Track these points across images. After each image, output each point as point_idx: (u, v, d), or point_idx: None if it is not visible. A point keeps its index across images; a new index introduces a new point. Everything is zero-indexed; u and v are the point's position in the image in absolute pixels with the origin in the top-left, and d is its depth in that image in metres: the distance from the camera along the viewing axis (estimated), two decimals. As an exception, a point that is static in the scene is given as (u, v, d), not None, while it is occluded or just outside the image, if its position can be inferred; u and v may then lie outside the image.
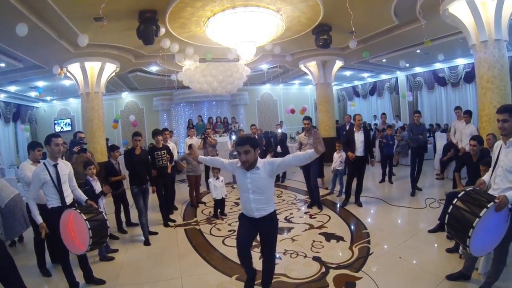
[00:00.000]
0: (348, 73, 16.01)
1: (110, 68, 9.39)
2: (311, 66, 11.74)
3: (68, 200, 3.72)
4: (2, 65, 8.65)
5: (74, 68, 8.98)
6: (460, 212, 2.75)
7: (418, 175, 7.12)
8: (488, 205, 2.60)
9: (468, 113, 6.87)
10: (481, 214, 2.57)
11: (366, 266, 3.93)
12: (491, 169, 3.11)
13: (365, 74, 16.89)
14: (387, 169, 8.41)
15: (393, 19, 7.59)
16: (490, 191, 2.95)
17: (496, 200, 2.63)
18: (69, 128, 15.82)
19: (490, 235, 2.72)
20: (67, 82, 11.75)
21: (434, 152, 10.26)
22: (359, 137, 6.29)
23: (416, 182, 7.10)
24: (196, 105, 16.20)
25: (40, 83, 11.75)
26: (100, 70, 9.09)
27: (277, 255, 4.05)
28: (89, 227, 3.33)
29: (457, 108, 7.51)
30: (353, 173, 6.51)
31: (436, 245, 4.44)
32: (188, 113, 16.00)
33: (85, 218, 3.36)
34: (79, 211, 3.46)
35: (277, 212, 6.16)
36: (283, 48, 9.20)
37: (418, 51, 11.10)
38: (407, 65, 13.56)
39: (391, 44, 9.83)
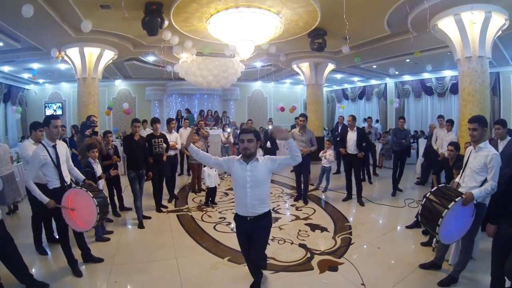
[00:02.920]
0: (339, 76, 16.44)
1: (109, 55, 9.54)
2: (304, 67, 12.10)
3: (67, 180, 3.82)
4: (0, 44, 8.63)
5: (72, 52, 9.09)
6: (431, 204, 3.17)
7: (399, 177, 7.52)
8: (456, 199, 3.01)
9: (450, 122, 7.30)
10: (449, 206, 2.98)
11: (348, 253, 4.29)
12: (461, 170, 3.53)
13: (355, 78, 17.34)
14: (365, 171, 8.77)
15: (385, 29, 7.98)
16: (460, 189, 3.34)
17: (464, 196, 3.05)
18: (60, 112, 15.78)
19: (457, 226, 3.13)
20: (62, 66, 11.81)
21: (416, 157, 10.71)
22: (351, 136, 6.64)
23: (397, 183, 7.50)
24: (188, 97, 16.41)
25: (35, 65, 11.73)
26: (98, 56, 9.24)
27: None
28: (96, 203, 3.53)
29: (440, 116, 7.95)
30: (349, 172, 6.82)
31: (412, 239, 4.83)
32: (180, 104, 16.18)
33: (91, 195, 3.56)
34: (85, 189, 3.63)
35: None
36: (278, 48, 9.48)
37: (407, 60, 11.55)
38: (397, 72, 14.02)
39: (382, 52, 10.23)
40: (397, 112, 16.06)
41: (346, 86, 19.49)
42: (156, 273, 3.92)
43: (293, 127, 11.03)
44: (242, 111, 18.13)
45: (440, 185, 3.41)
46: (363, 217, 5.94)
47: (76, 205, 3.63)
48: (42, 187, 3.68)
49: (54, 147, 3.72)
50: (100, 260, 4.18)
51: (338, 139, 9.99)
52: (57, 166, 3.69)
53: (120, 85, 16.44)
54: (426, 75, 14.89)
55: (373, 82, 17.51)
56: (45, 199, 3.53)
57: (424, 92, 15.41)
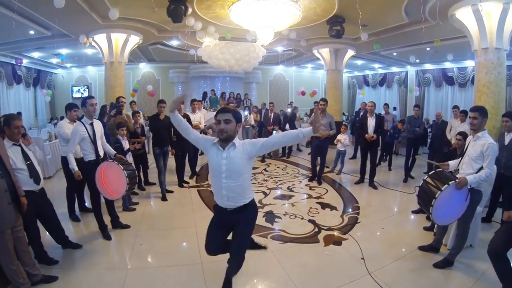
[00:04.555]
0: (359, 62, 16.43)
1: (134, 40, 9.93)
2: (324, 53, 12.21)
3: (101, 154, 4.30)
4: (32, 32, 9.15)
5: (100, 38, 9.56)
6: (428, 186, 3.43)
7: (412, 164, 7.67)
8: (450, 183, 3.25)
9: (464, 113, 7.30)
10: (442, 188, 3.23)
11: (353, 231, 4.62)
12: (460, 157, 3.73)
13: (376, 65, 17.28)
14: (388, 157, 9.02)
15: (403, 17, 8.00)
16: (458, 175, 3.54)
17: (457, 180, 3.29)
18: (86, 94, 16.42)
19: (450, 208, 3.36)
20: (89, 51, 12.33)
21: (431, 146, 10.74)
22: (371, 122, 6.79)
23: (410, 170, 7.65)
24: (210, 80, 16.70)
25: (64, 51, 12.28)
26: (124, 42, 9.66)
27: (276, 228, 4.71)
28: (126, 175, 3.97)
29: (455, 107, 8.02)
30: (365, 156, 6.97)
31: (415, 223, 5.07)
32: (203, 86, 16.52)
33: (122, 168, 4.01)
34: (116, 162, 4.09)
35: (281, 181, 7.21)
36: (298, 34, 9.65)
37: (428, 49, 11.44)
38: (417, 60, 13.90)
39: (402, 39, 10.18)
40: (417, 100, 15.91)
41: (367, 72, 19.39)
42: (177, 239, 4.40)
43: (311, 111, 11.29)
44: (264, 94, 18.33)
45: (437, 169, 3.65)
46: (372, 199, 6.20)
47: (108, 176, 4.10)
48: (77, 160, 4.26)
49: (91, 124, 4.21)
50: (127, 226, 4.70)
51: (357, 125, 10.24)
52: (93, 141, 4.18)
53: (144, 68, 16.96)
54: (447, 65, 14.65)
55: (394, 69, 17.38)
56: (75, 169, 4.12)
57: (445, 82, 15.21)
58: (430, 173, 3.57)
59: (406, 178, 7.53)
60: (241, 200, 2.69)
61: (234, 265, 2.88)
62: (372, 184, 6.89)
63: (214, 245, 2.91)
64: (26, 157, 3.40)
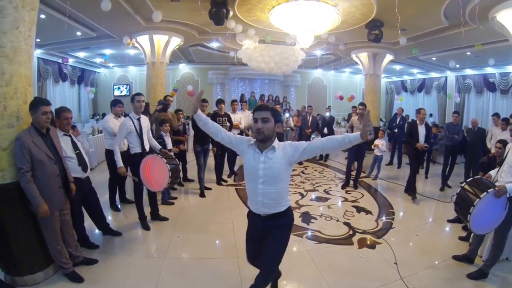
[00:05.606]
0: (398, 67, 16.16)
1: (175, 42, 10.31)
2: (362, 57, 12.17)
3: (147, 148, 4.56)
4: (79, 33, 9.77)
5: (143, 39, 9.99)
6: (465, 193, 3.37)
7: (449, 173, 7.46)
8: (489, 190, 3.18)
9: (505, 121, 6.98)
10: (481, 196, 3.16)
11: (387, 236, 4.64)
12: (500, 166, 3.63)
13: (415, 70, 16.92)
14: (424, 164, 8.75)
15: (442, 21, 7.84)
16: (496, 183, 3.44)
17: (496, 188, 3.21)
18: (127, 93, 17.18)
19: (488, 217, 3.27)
20: (132, 52, 12.90)
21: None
22: (422, 131, 6.48)
23: (447, 179, 7.43)
24: (249, 82, 17.00)
25: (107, 51, 12.94)
26: (166, 43, 10.05)
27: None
28: (169, 168, 4.19)
29: (495, 114, 7.72)
30: (417, 166, 6.64)
31: (451, 232, 4.96)
32: (242, 88, 16.86)
33: (165, 161, 4.23)
34: (161, 156, 4.33)
35: (318, 184, 7.30)
36: (337, 38, 9.68)
37: (468, 53, 11.11)
38: (457, 65, 13.45)
39: (441, 44, 9.96)
40: (457, 107, 15.38)
41: (405, 77, 19.04)
42: (213, 233, 4.61)
43: (349, 115, 11.29)
44: (302, 97, 18.43)
45: (476, 177, 3.58)
46: (408, 206, 6.13)
47: (152, 168, 4.35)
48: (123, 153, 4.53)
49: (139, 120, 4.48)
50: (165, 219, 4.97)
51: (395, 130, 10.13)
52: (140, 135, 4.45)
53: (184, 68, 17.45)
54: (489, 70, 14.07)
55: (433, 74, 16.92)
56: (120, 163, 4.35)
57: (486, 88, 14.58)
58: (468, 180, 3.51)
59: (443, 186, 7.34)
60: (276, 207, 2.44)
61: (261, 278, 2.45)
62: (408, 191, 6.76)
63: (252, 257, 2.73)
64: (75, 146, 3.71)
